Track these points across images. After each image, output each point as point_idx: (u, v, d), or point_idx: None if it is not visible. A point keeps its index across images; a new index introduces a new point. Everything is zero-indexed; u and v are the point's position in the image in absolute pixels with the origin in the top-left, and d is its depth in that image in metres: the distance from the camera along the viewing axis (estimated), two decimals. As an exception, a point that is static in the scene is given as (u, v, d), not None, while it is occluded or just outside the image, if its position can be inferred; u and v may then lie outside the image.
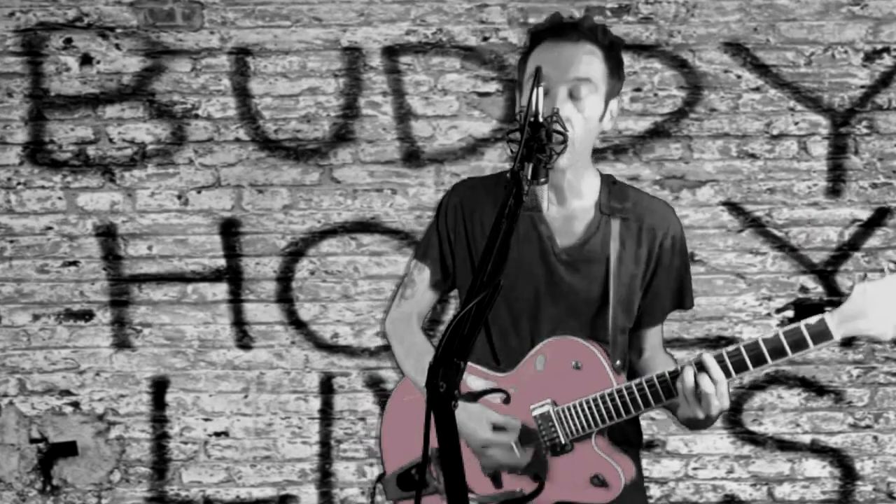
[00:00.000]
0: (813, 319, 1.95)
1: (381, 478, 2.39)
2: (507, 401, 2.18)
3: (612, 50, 2.16)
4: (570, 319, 2.22)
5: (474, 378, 2.21)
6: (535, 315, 2.24)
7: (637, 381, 2.08)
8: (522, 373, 2.20)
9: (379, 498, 2.38)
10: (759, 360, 1.99)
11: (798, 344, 1.96)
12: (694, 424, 2.10)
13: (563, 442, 2.14)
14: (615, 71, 2.17)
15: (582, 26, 2.14)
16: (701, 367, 2.01)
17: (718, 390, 2.00)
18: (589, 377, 2.11)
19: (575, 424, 2.13)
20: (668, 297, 2.31)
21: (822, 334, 1.95)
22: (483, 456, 2.18)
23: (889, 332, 1.93)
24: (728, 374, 2.00)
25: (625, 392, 2.08)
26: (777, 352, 1.97)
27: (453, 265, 2.35)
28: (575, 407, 2.12)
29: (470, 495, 2.01)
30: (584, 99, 2.09)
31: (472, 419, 2.14)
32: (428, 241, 2.38)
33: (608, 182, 2.28)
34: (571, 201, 2.22)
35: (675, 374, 2.06)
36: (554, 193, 2.22)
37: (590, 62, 2.11)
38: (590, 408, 2.11)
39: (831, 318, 1.94)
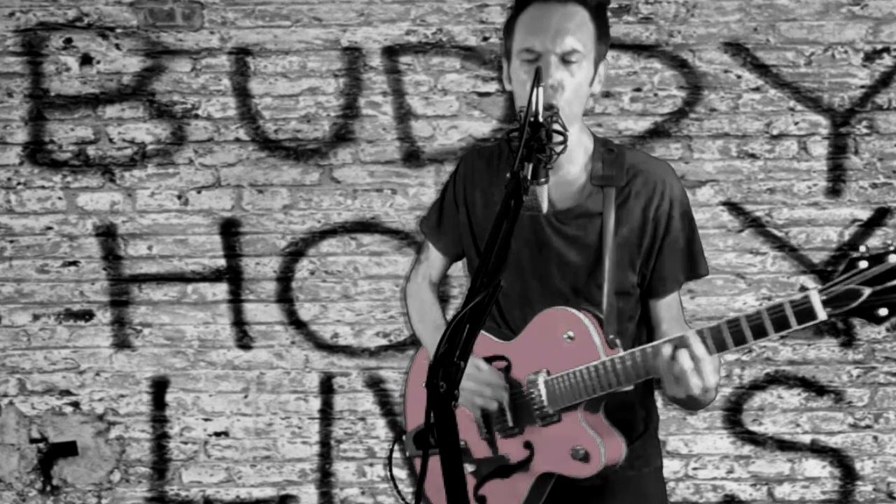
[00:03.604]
0: (798, 296, 1.83)
1: (400, 435, 2.46)
2: (507, 369, 2.22)
3: (600, 10, 2.15)
4: (564, 285, 2.22)
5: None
6: (532, 281, 2.25)
7: (621, 354, 2.05)
8: (522, 342, 2.22)
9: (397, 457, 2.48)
10: (739, 339, 1.90)
11: (781, 323, 1.85)
12: (682, 403, 2.06)
13: (550, 412, 2.14)
14: (603, 33, 2.15)
15: None
16: (682, 343, 1.96)
17: (699, 367, 1.93)
18: (580, 349, 2.10)
19: (562, 395, 2.12)
20: (675, 264, 2.24)
21: (807, 313, 1.81)
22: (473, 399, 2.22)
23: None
24: (710, 351, 1.93)
25: (608, 365, 2.06)
26: (759, 331, 1.88)
27: (458, 232, 2.39)
28: (564, 378, 2.12)
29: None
30: (576, 64, 2.09)
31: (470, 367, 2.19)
32: (435, 205, 2.47)
33: (604, 148, 2.25)
34: (564, 166, 2.19)
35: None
36: None
37: (580, 29, 2.09)
38: (576, 380, 2.10)
39: (816, 297, 1.80)
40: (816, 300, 1.79)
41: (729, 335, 1.91)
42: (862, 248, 1.73)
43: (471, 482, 2.24)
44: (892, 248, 1.70)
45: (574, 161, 2.21)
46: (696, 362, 1.93)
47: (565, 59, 2.07)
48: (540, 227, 2.22)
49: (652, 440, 2.36)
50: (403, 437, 2.45)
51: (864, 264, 1.73)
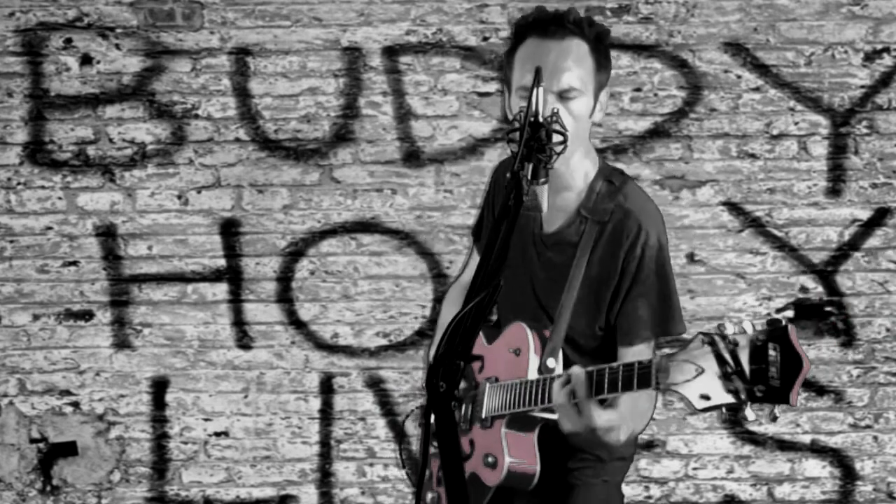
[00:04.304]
0: (646, 360, 1.80)
1: (416, 409, 2.55)
2: (481, 368, 2.28)
3: (599, 42, 2.13)
4: (534, 305, 2.25)
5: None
6: (513, 292, 2.25)
7: (535, 378, 2.08)
8: (493, 347, 2.28)
9: (410, 425, 2.55)
10: (612, 388, 1.85)
11: (626, 382, 1.82)
12: (576, 440, 2.01)
13: (482, 416, 2.19)
14: (603, 64, 2.14)
15: (567, 21, 2.10)
16: (568, 380, 1.94)
17: (580, 406, 1.90)
18: (518, 365, 2.16)
19: (493, 403, 2.17)
20: (641, 317, 2.18)
21: (644, 378, 1.79)
22: None
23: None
24: (589, 393, 1.89)
25: (527, 386, 2.08)
26: (627, 384, 1.83)
27: None
28: (500, 388, 2.17)
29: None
30: (574, 101, 2.09)
31: None
32: (479, 214, 2.55)
33: (606, 178, 2.23)
34: (561, 192, 2.21)
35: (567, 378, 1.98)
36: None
37: (577, 65, 2.09)
38: (506, 392, 2.14)
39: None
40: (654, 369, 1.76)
41: (606, 382, 1.87)
42: (727, 326, 1.61)
43: (434, 463, 2.28)
44: (742, 332, 1.58)
45: (572, 188, 2.21)
46: (576, 401, 1.91)
47: (563, 97, 2.07)
48: (528, 244, 2.24)
49: (613, 464, 2.32)
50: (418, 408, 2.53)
51: (706, 340, 1.63)
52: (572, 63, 2.08)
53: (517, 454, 2.13)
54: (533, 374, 2.11)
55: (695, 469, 3.93)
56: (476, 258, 2.53)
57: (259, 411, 3.96)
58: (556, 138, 1.89)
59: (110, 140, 3.90)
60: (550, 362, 2.13)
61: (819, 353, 3.89)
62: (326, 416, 3.95)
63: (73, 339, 3.94)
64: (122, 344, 3.94)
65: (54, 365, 3.95)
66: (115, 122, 3.89)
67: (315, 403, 3.95)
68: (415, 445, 2.65)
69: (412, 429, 2.54)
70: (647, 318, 2.18)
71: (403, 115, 3.87)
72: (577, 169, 2.18)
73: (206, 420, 3.96)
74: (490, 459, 2.14)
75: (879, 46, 3.80)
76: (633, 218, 2.16)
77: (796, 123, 3.83)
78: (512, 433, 2.15)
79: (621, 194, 2.20)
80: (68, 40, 3.86)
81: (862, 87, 3.81)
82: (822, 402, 3.91)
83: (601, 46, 2.14)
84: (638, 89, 3.83)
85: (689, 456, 3.93)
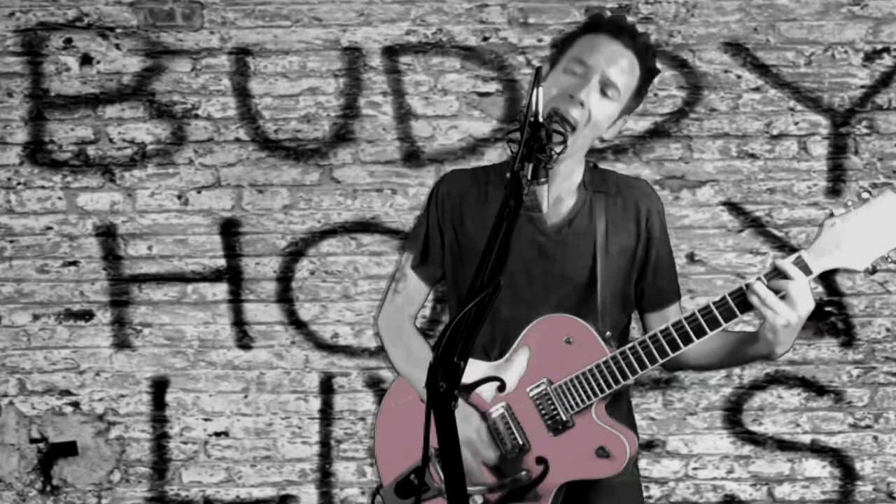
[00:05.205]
0: (793, 257, 2.03)
1: (378, 490, 2.36)
2: (501, 388, 2.14)
3: (650, 74, 2.21)
4: (559, 298, 2.23)
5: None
6: (527, 296, 2.25)
7: (641, 338, 2.09)
8: (514, 358, 2.20)
9: None
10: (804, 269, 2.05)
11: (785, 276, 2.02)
12: (773, 344, 2.07)
13: (564, 419, 2.13)
14: (641, 94, 2.22)
15: (638, 38, 2.18)
16: (776, 272, 2.02)
17: (800, 287, 2.01)
18: (581, 350, 2.12)
19: (573, 398, 2.13)
20: (670, 276, 2.33)
21: (804, 269, 2.02)
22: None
23: (861, 263, 2.10)
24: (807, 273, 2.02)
25: (619, 358, 2.09)
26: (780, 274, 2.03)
27: (442, 255, 2.36)
28: (571, 381, 2.13)
29: (478, 486, 2.04)
30: (608, 99, 2.14)
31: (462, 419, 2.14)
32: (418, 233, 2.39)
33: (589, 167, 2.33)
34: (560, 184, 2.24)
35: (702, 313, 2.04)
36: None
37: (628, 72, 2.15)
38: (586, 379, 2.11)
39: (808, 255, 2.02)
40: (808, 258, 2.03)
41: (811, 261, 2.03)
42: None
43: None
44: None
45: (570, 179, 2.26)
46: (798, 283, 2.01)
47: (603, 88, 2.13)
48: (539, 243, 2.24)
49: (633, 483, 2.37)
50: (381, 491, 2.35)
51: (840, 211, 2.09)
52: (627, 67, 2.15)
53: (627, 434, 2.13)
54: (607, 351, 2.11)
55: (695, 469, 3.93)
56: (415, 282, 2.40)
57: (259, 411, 3.96)
58: (556, 138, 1.89)
59: (110, 140, 3.90)
60: (608, 337, 2.17)
61: (819, 353, 3.89)
62: (326, 416, 3.95)
63: (73, 339, 3.94)
64: (122, 344, 3.94)
65: (54, 365, 3.95)
66: (115, 122, 3.89)
67: (315, 403, 3.95)
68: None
69: None
70: (675, 279, 2.34)
71: (403, 115, 3.87)
72: (573, 171, 2.26)
73: (206, 420, 3.96)
74: (605, 451, 2.10)
75: (879, 46, 3.80)
76: (638, 188, 2.31)
77: (796, 123, 3.83)
78: (603, 416, 2.14)
79: (609, 174, 2.33)
80: (68, 40, 3.86)
81: (862, 87, 3.81)
82: (822, 402, 3.91)
83: (648, 78, 2.22)
84: (638, 89, 3.83)
85: (689, 456, 3.93)
